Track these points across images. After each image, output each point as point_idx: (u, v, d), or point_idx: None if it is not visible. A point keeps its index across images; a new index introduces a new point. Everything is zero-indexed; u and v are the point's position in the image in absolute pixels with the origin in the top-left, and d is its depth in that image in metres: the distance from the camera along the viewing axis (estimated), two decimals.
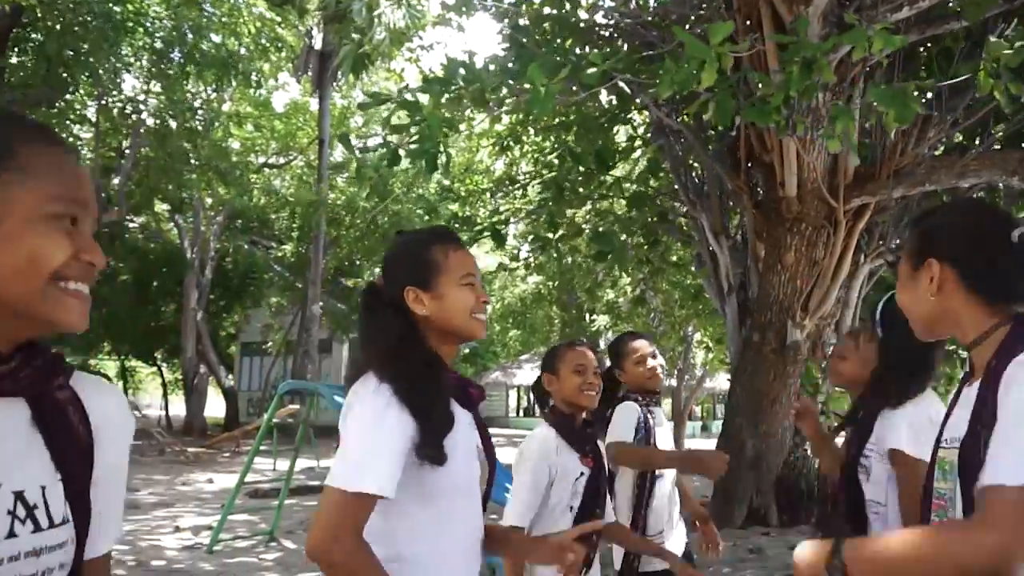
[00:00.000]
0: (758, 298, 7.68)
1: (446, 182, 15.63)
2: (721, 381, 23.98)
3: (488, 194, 14.16)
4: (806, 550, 1.22)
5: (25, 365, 0.80)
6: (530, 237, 10.14)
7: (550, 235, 8.66)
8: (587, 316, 20.81)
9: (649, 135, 9.33)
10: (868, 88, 5.91)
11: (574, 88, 5.47)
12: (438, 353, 1.46)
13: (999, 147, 7.46)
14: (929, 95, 7.12)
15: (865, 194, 6.92)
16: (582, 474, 2.27)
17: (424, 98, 5.28)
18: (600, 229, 8.63)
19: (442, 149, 4.86)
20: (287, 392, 7.94)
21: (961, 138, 7.81)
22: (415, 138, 4.95)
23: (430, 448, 1.31)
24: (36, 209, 0.78)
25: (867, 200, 6.99)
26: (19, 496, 0.78)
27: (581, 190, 8.37)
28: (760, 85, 5.52)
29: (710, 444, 22.02)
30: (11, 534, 0.76)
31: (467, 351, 26.02)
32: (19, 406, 0.80)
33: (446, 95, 4.92)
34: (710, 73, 4.63)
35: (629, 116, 8.92)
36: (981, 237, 1.30)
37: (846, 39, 4.95)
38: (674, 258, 13.41)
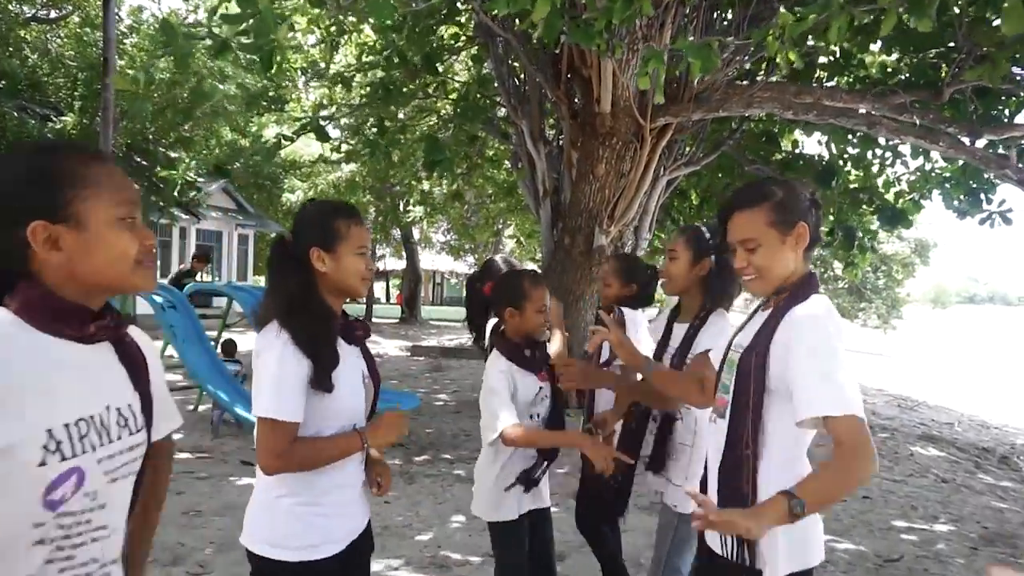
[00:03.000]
0: (570, 204, 8.27)
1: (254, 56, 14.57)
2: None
3: (299, 72, 13.50)
4: (761, 519, 1.45)
5: (110, 319, 1.15)
6: (351, 128, 9.96)
7: (376, 135, 8.60)
8: (401, 206, 20.82)
9: (474, 33, 9.39)
10: (678, 36, 6.42)
11: None
12: (329, 304, 1.82)
13: (781, 76, 8.45)
14: (727, 24, 7.86)
15: (669, 115, 7.59)
16: (541, 388, 2.50)
17: None
18: (431, 135, 8.68)
19: (276, 45, 4.71)
20: None
21: (750, 65, 8.68)
22: (247, 31, 4.76)
23: (321, 381, 1.71)
24: (111, 216, 1.11)
25: (670, 120, 7.68)
26: (119, 411, 1.14)
27: (406, 89, 8.32)
28: (586, 7, 5.82)
29: None
30: (119, 437, 1.12)
31: (273, 235, 25.13)
32: (108, 348, 1.16)
33: None
34: (543, 7, 4.83)
35: (457, 17, 8.88)
36: (815, 204, 1.78)
37: None
38: (490, 153, 13.75)
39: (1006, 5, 2.69)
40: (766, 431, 1.66)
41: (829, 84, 8.75)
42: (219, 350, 7.80)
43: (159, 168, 17.50)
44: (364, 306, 22.05)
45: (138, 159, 18.11)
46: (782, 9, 4.55)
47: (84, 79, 16.50)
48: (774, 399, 1.65)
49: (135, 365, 1.19)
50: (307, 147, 19.27)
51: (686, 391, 2.18)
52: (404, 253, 24.10)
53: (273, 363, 1.68)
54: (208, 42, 5.47)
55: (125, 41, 17.51)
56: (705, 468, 1.89)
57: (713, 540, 1.78)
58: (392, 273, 36.01)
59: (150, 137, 17.98)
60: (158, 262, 23.27)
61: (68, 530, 1.04)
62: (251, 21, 4.63)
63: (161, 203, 17.78)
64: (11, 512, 0.99)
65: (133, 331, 1.25)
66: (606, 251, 8.10)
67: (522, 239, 19.47)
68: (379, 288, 38.18)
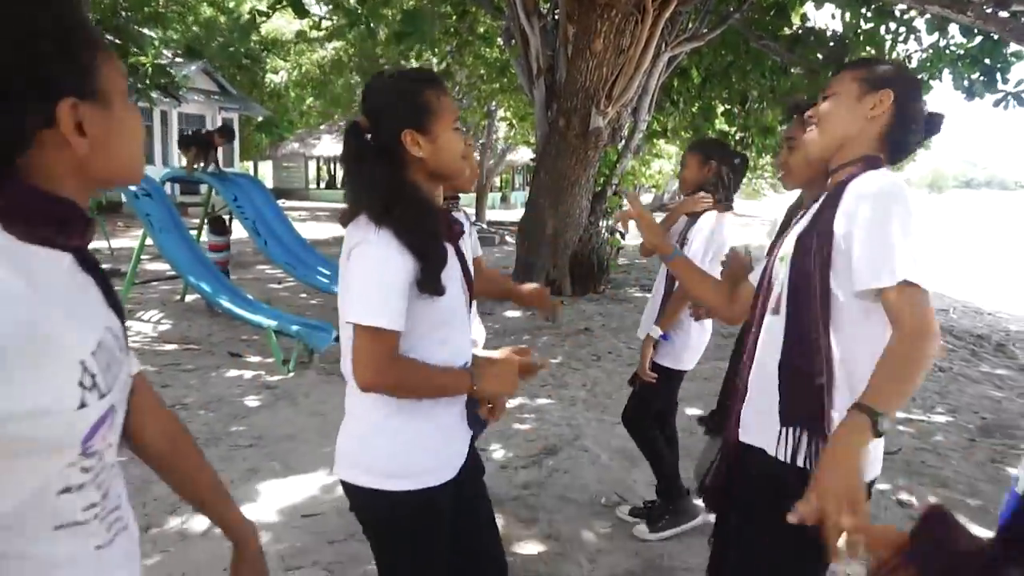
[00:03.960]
0: (566, 83, 7.82)
1: None
2: (521, 154, 24.67)
3: None
4: (848, 457, 1.25)
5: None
6: (334, 7, 9.26)
7: (357, 5, 7.99)
8: None
9: None
10: None
11: None
12: (429, 194, 1.55)
13: None
14: None
15: None
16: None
17: None
18: (412, 7, 8.07)
19: None
20: None
21: None
22: None
23: (430, 283, 1.46)
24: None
25: None
26: (111, 330, 0.89)
27: None
28: None
29: (510, 215, 23.14)
30: (121, 363, 0.89)
31: (260, 119, 24.33)
32: (71, 258, 0.88)
33: None
34: None
35: None
36: (919, 95, 1.56)
37: None
38: (482, 29, 13.01)
39: None
40: (836, 320, 1.46)
41: None
42: (206, 228, 7.56)
43: (131, 49, 16.58)
44: None
45: (110, 37, 17.19)
46: None
47: None
48: (841, 283, 1.45)
49: (101, 277, 0.94)
50: (288, 24, 18.23)
51: (704, 292, 1.93)
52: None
53: (372, 263, 1.43)
54: None
55: None
56: (738, 374, 1.69)
57: (765, 439, 1.56)
58: None
59: (123, 13, 16.96)
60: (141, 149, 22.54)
61: (95, 473, 0.86)
62: None
63: (139, 85, 16.97)
64: (44, 471, 0.79)
65: None
66: (603, 133, 7.74)
67: (515, 122, 18.82)
68: None
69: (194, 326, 6.59)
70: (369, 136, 1.50)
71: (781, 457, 1.50)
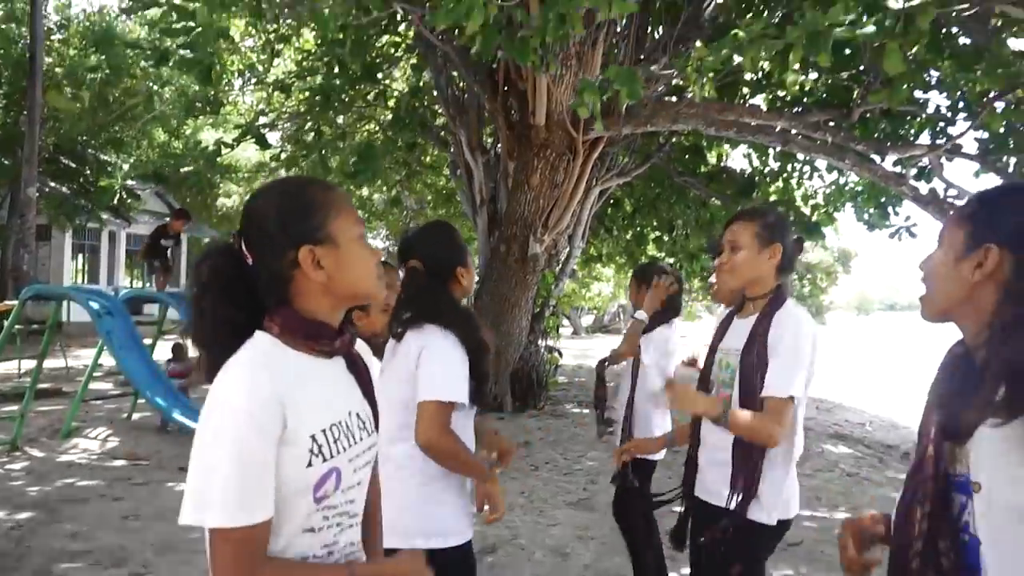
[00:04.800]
0: (506, 213, 8.52)
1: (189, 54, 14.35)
2: None
3: (237, 74, 13.40)
4: (700, 399, 2.14)
5: (348, 335, 1.29)
6: (291, 134, 9.99)
7: (314, 140, 8.70)
8: None
9: (414, 43, 9.56)
10: (609, 55, 6.75)
11: (354, 5, 5.62)
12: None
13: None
14: (657, 41, 8.27)
15: (600, 128, 7.92)
16: None
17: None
18: (366, 144, 8.82)
19: (217, 61, 4.82)
20: (32, 296, 7.24)
21: (680, 83, 9.10)
22: (185, 41, 4.84)
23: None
24: (355, 234, 1.24)
25: (602, 133, 8.01)
26: (358, 416, 1.28)
27: (346, 97, 8.44)
28: (522, 24, 6.08)
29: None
30: (360, 439, 1.27)
31: (208, 241, 24.65)
32: (339, 360, 1.29)
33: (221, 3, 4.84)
34: (476, 18, 5.07)
35: (397, 28, 9.05)
36: (791, 236, 2.26)
37: (589, 2, 5.66)
38: (429, 160, 13.90)
39: (888, 48, 3.04)
40: None
41: (751, 102, 9.24)
42: (170, 355, 7.74)
43: (90, 173, 16.97)
44: None
45: (66, 160, 17.62)
46: (698, 43, 4.89)
47: (7, 77, 15.98)
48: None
49: (362, 376, 1.33)
50: (244, 151, 19.06)
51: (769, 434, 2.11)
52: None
53: (451, 355, 1.96)
54: (147, 51, 5.50)
55: (52, 37, 17.02)
56: (696, 459, 2.25)
57: (710, 491, 2.15)
58: None
59: (80, 138, 17.49)
60: (85, 268, 22.58)
61: (331, 520, 1.21)
62: (191, 35, 4.72)
63: (91, 207, 17.27)
64: (290, 506, 1.13)
65: (359, 345, 1.39)
66: (540, 258, 8.38)
67: None
68: None
69: (143, 443, 6.71)
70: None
71: (731, 507, 2.06)
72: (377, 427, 1.37)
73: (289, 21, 6.36)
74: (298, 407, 1.14)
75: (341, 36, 6.98)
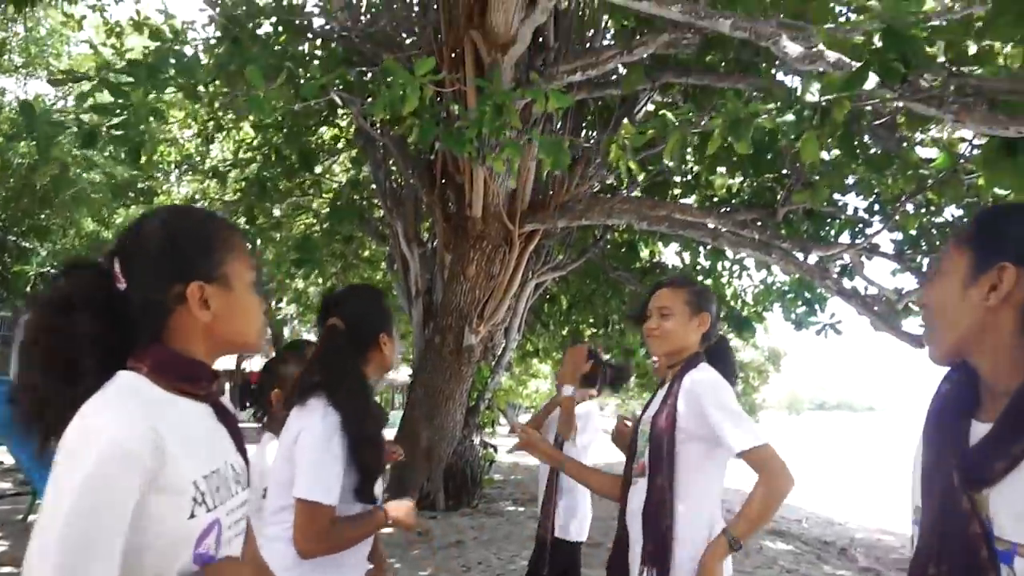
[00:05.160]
0: (441, 304, 8.44)
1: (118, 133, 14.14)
2: (401, 373, 24.94)
3: (174, 166, 13.26)
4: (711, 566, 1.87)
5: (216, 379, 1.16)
6: None
7: (248, 228, 8.55)
8: (273, 304, 20.31)
9: (353, 137, 9.67)
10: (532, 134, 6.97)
11: (292, 92, 5.62)
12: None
13: (640, 190, 9.23)
14: (592, 142, 8.56)
15: (536, 221, 8.04)
16: None
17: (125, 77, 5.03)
18: (304, 236, 8.73)
19: (147, 137, 4.71)
20: None
21: (613, 180, 9.39)
22: (117, 122, 4.73)
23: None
24: (249, 279, 1.15)
25: (537, 226, 8.12)
26: (232, 467, 1.13)
27: (282, 186, 8.39)
28: (459, 116, 6.20)
29: (387, 433, 22.80)
30: (236, 492, 1.13)
31: None
32: (208, 407, 1.14)
33: (153, 82, 4.78)
34: (412, 101, 5.13)
35: (335, 119, 9.15)
36: (719, 313, 2.27)
37: (529, 93, 5.83)
38: (366, 254, 13.84)
39: (805, 138, 3.16)
40: (679, 478, 1.96)
41: (682, 201, 9.58)
42: None
43: (9, 261, 16.29)
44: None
45: None
46: (625, 120, 5.09)
47: None
48: (682, 448, 1.97)
49: (232, 425, 1.19)
50: None
51: (600, 487, 2.38)
52: (274, 354, 23.24)
53: (320, 445, 1.74)
54: (74, 129, 5.37)
55: None
56: (625, 527, 2.10)
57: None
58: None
59: (4, 224, 16.83)
60: None
61: None
62: (123, 113, 4.63)
63: (5, 294, 16.46)
64: (166, 568, 0.98)
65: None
66: (476, 350, 8.27)
67: None
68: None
69: None
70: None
71: None
72: (249, 482, 1.22)
73: (226, 105, 6.31)
74: (176, 447, 0.98)
75: (279, 120, 6.98)
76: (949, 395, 1.15)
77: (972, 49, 3.06)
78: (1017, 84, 2.76)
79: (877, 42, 2.86)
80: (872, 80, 2.99)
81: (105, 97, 4.82)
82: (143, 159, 4.50)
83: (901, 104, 3.17)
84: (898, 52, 2.63)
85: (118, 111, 4.44)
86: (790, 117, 3.13)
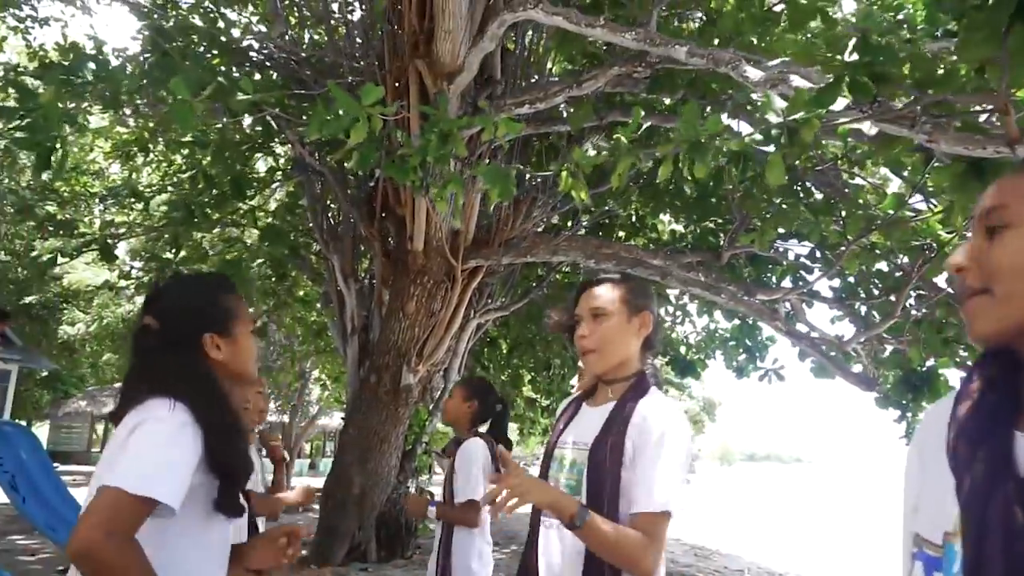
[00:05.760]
0: (378, 342, 8.05)
1: (45, 177, 13.47)
2: (334, 419, 24.11)
3: (98, 199, 12.61)
4: (550, 493, 1.58)
5: None
6: (145, 256, 9.24)
7: (171, 256, 8.02)
8: None
9: (290, 168, 9.31)
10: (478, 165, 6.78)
11: (218, 107, 5.28)
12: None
13: (584, 232, 9.10)
14: (538, 180, 8.43)
15: (480, 257, 7.78)
16: None
17: (38, 81, 4.62)
18: (228, 258, 8.24)
19: (59, 145, 4.29)
20: None
21: (558, 220, 9.26)
22: (24, 125, 4.31)
23: (229, 500, 1.49)
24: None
25: (481, 263, 7.86)
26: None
27: (211, 214, 7.93)
28: (402, 144, 5.94)
29: (317, 482, 21.89)
30: None
31: (45, 374, 22.27)
32: None
33: (68, 88, 4.38)
34: (360, 131, 4.84)
35: (271, 146, 8.78)
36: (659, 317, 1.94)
37: (478, 121, 5.63)
38: (301, 293, 13.33)
39: (771, 159, 3.01)
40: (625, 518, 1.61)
41: (627, 244, 9.51)
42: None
43: None
44: None
45: None
46: (578, 147, 4.94)
47: None
48: (624, 492, 1.62)
49: None
50: (95, 276, 17.71)
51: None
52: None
53: (164, 437, 1.36)
54: None
55: None
56: (535, 569, 1.71)
57: None
58: None
59: None
60: None
61: None
62: (32, 115, 4.21)
63: None
64: None
65: None
66: (413, 390, 7.88)
67: (328, 383, 18.68)
68: None
69: None
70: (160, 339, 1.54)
71: None
72: None
73: (149, 118, 5.91)
74: None
75: (208, 138, 6.58)
76: (983, 402, 0.86)
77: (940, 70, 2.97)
78: (990, 99, 2.67)
79: (848, 57, 2.75)
80: (840, 102, 2.87)
81: (12, 100, 4.41)
82: (52, 167, 4.05)
83: (873, 130, 3.05)
84: (874, 59, 2.50)
85: (23, 113, 4.02)
86: (759, 136, 2.97)
